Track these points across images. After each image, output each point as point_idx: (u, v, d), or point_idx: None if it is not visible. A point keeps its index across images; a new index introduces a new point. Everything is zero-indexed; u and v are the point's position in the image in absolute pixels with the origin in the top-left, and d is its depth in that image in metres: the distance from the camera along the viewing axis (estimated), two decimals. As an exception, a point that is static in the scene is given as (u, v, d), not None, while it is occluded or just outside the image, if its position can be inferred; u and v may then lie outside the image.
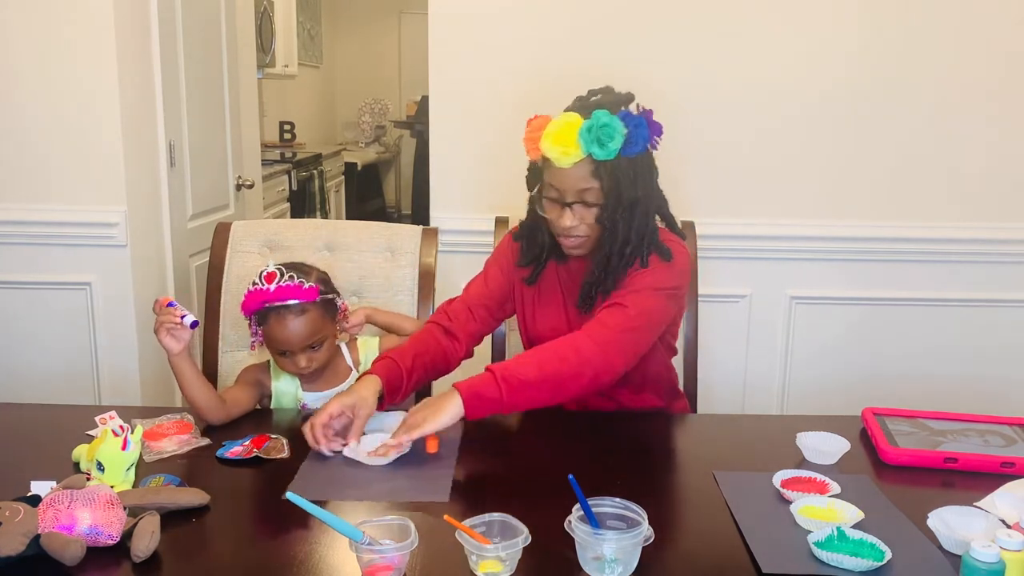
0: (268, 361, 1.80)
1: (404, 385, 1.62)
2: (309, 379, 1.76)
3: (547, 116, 1.65)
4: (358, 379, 1.61)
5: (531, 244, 1.75)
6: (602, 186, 1.57)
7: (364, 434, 1.53)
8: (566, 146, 1.55)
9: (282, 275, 1.65)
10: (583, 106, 1.60)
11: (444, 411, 1.48)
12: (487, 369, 1.54)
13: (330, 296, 1.73)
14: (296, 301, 1.65)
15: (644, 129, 1.57)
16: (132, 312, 2.54)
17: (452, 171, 2.49)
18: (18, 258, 2.50)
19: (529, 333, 1.81)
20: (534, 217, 1.72)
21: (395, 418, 1.60)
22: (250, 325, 1.71)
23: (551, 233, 1.69)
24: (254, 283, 1.67)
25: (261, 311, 1.67)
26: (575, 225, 1.61)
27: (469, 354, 1.79)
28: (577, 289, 1.71)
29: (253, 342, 1.72)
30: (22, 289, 2.51)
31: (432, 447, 1.52)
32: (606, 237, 1.62)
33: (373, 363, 1.65)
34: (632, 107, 1.62)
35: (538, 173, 1.68)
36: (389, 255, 2.04)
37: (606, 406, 1.77)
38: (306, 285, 1.66)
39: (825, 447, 1.51)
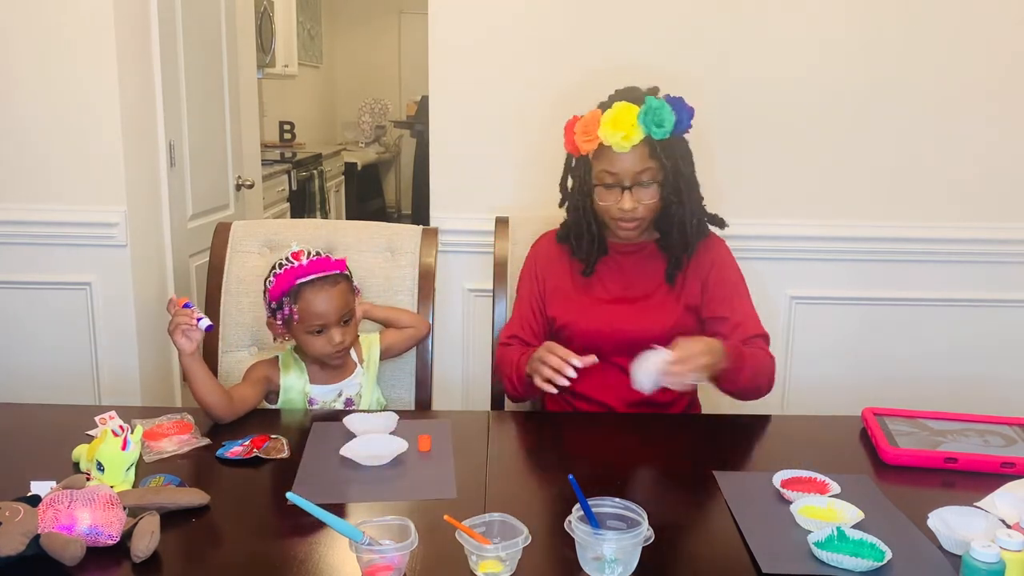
0: (276, 356, 1.80)
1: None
2: (335, 359, 1.76)
3: (578, 115, 1.76)
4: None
5: (581, 240, 1.84)
6: (661, 165, 1.72)
7: (355, 436, 1.54)
8: (627, 131, 1.68)
9: (309, 252, 1.71)
10: (630, 96, 1.73)
11: (715, 351, 1.60)
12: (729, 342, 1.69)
13: (350, 273, 1.78)
14: (329, 273, 1.70)
15: (686, 110, 1.73)
16: (132, 312, 2.54)
17: (452, 171, 2.49)
18: (18, 258, 2.50)
19: (562, 320, 1.84)
20: (580, 213, 1.81)
21: (386, 419, 1.61)
22: (279, 311, 1.70)
23: (599, 224, 1.81)
24: (280, 265, 1.70)
25: (295, 288, 1.68)
26: (634, 207, 1.73)
27: None
28: (626, 280, 1.83)
29: (281, 329, 1.72)
30: (22, 289, 2.51)
31: (424, 445, 1.52)
32: (674, 211, 1.76)
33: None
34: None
35: (585, 166, 1.77)
36: (389, 255, 2.04)
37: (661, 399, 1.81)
38: (333, 258, 1.72)
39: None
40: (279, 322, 1.71)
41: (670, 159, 1.73)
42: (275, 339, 1.79)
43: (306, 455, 1.49)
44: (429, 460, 1.49)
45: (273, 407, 1.78)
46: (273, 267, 1.73)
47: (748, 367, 1.70)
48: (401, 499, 1.35)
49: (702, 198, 1.84)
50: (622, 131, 1.68)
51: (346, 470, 1.44)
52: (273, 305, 1.71)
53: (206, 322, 1.60)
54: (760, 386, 1.76)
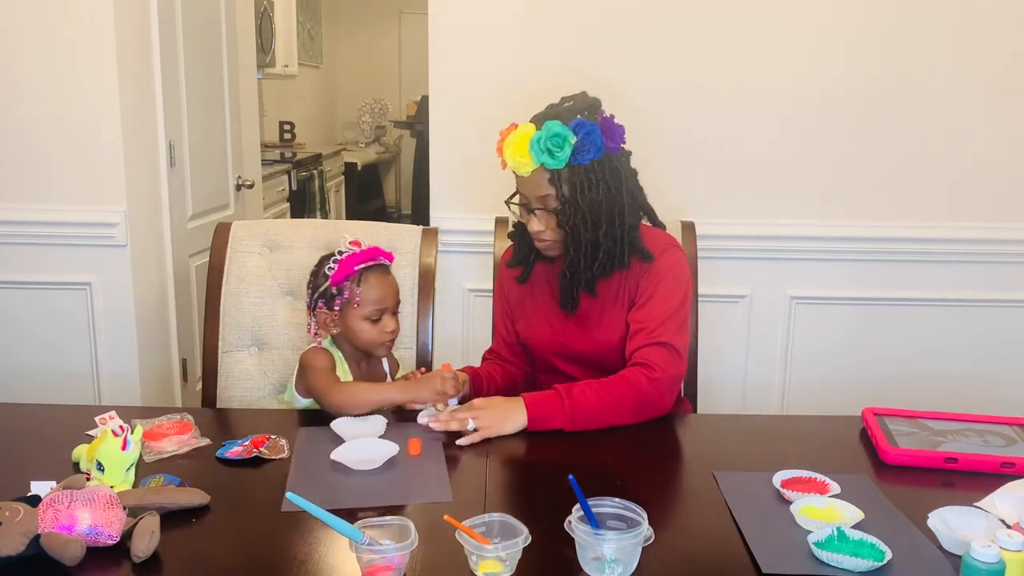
0: (322, 347, 1.78)
1: (484, 390, 1.79)
2: (384, 348, 1.78)
3: (515, 125, 1.69)
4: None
5: (520, 245, 1.84)
6: (558, 193, 1.65)
7: (344, 441, 1.53)
8: (521, 156, 1.63)
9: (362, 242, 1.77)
10: (539, 116, 1.67)
11: (509, 422, 1.59)
12: (554, 389, 1.63)
13: None
14: (386, 260, 1.77)
15: (596, 136, 1.62)
16: (132, 312, 2.54)
17: (452, 171, 2.49)
18: (18, 258, 2.50)
19: (523, 334, 1.86)
20: (517, 223, 1.81)
21: (374, 422, 1.59)
22: (338, 297, 1.71)
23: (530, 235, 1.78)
24: (340, 252, 1.73)
25: (358, 273, 1.71)
26: (541, 230, 1.70)
27: (528, 372, 1.92)
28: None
29: (334, 317, 1.73)
30: (22, 289, 2.51)
31: (415, 449, 1.51)
32: (569, 240, 1.68)
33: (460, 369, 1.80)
34: (597, 113, 1.67)
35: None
36: (389, 255, 2.04)
37: None
38: (385, 249, 1.77)
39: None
40: (336, 308, 1.72)
41: (569, 188, 1.64)
42: (314, 333, 1.77)
43: (295, 460, 1.47)
44: (421, 464, 1.48)
45: (304, 400, 1.76)
46: (329, 256, 1.75)
47: (577, 415, 1.60)
48: (404, 503, 1.34)
49: (628, 224, 1.69)
50: (516, 156, 1.64)
51: (337, 475, 1.42)
52: (333, 291, 1.72)
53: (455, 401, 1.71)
54: (611, 423, 1.62)
